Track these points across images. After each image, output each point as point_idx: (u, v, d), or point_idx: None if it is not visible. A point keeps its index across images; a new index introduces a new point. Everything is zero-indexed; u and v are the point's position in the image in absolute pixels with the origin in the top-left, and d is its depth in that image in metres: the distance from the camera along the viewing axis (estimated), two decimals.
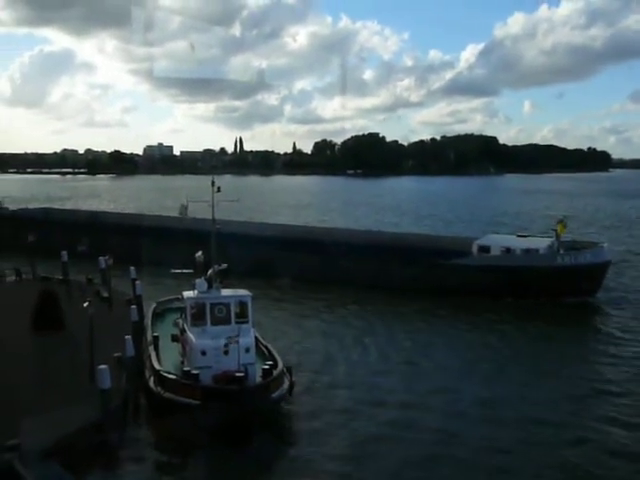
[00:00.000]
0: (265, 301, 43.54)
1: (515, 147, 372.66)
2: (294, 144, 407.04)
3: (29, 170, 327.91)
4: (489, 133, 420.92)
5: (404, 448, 24.82)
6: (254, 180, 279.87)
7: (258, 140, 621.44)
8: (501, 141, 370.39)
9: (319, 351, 36.86)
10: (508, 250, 51.14)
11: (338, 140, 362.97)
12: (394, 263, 52.52)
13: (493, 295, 47.54)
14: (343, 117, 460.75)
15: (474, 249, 52.16)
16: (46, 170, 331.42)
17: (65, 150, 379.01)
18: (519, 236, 57.96)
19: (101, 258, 45.49)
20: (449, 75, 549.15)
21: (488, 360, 36.06)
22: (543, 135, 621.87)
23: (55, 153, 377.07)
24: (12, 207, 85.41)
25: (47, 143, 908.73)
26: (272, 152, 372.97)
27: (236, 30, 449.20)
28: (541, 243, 52.30)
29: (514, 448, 24.83)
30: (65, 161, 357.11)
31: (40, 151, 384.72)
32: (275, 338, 34.72)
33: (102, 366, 24.39)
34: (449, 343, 39.89)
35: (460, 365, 35.08)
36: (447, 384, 31.84)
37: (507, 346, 39.05)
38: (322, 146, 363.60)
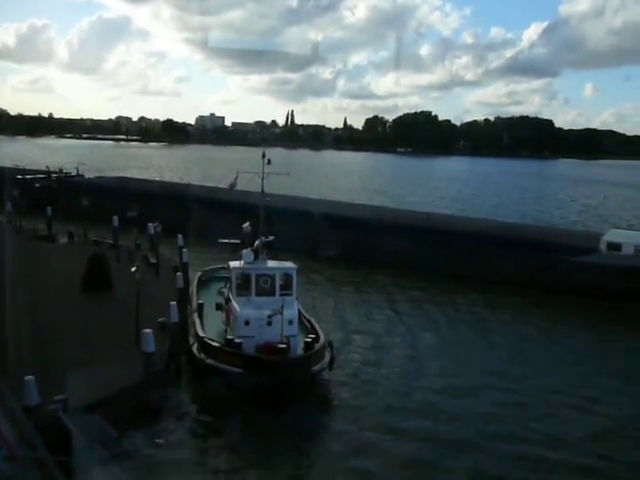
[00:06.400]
0: (308, 276, 43.62)
1: (571, 131, 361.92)
2: (345, 119, 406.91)
3: (84, 135, 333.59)
4: (546, 116, 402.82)
5: (443, 425, 24.84)
6: (304, 154, 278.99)
7: (310, 114, 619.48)
8: (558, 124, 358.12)
9: (365, 330, 36.65)
10: None
11: (390, 117, 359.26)
12: (491, 253, 48.58)
13: (619, 298, 42.71)
14: (396, 93, 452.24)
15: (602, 246, 47.99)
16: (101, 136, 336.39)
17: (119, 117, 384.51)
18: None
19: (150, 224, 46.21)
20: (509, 54, 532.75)
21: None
22: (603, 120, 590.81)
23: (110, 120, 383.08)
24: (88, 175, 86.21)
25: (102, 109, 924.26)
26: (323, 126, 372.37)
27: (293, 1, 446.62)
28: None
29: None
30: (119, 128, 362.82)
31: (96, 117, 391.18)
32: (316, 313, 34.87)
33: (146, 330, 24.84)
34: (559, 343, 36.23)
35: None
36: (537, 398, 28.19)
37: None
38: (373, 122, 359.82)
